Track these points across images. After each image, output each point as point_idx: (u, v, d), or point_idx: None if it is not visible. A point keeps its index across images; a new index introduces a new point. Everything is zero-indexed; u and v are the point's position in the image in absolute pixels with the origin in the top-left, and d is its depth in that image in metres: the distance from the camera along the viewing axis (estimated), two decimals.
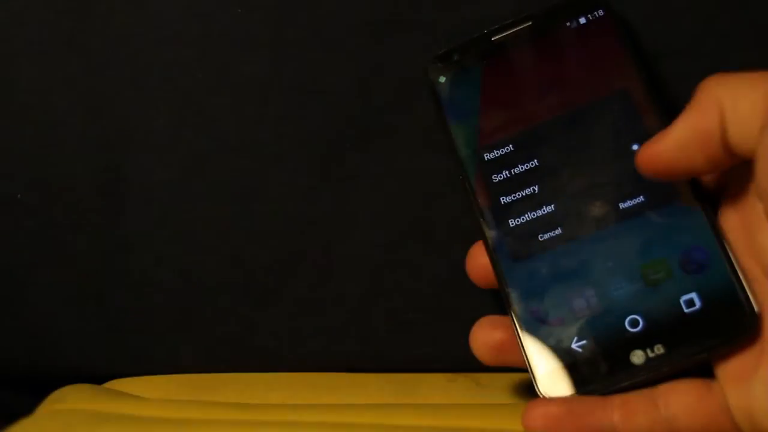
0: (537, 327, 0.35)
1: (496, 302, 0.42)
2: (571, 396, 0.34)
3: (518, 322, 0.35)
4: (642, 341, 0.34)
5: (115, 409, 0.40)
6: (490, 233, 0.37)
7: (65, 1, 0.42)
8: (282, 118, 0.42)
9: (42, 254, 0.44)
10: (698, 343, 0.33)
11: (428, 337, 0.42)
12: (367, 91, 0.42)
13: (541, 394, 0.34)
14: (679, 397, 0.32)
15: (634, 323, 0.34)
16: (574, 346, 0.34)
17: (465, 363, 0.42)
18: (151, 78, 0.42)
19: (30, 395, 0.46)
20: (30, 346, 0.45)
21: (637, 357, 0.33)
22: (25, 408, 0.43)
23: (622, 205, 0.36)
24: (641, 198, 0.35)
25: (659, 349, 0.33)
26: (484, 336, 0.36)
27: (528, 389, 0.41)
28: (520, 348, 0.35)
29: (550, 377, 0.34)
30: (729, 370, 0.32)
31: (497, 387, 0.41)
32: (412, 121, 0.42)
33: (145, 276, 0.43)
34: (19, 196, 0.43)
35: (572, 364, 0.34)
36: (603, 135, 0.37)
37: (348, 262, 0.42)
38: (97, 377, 0.45)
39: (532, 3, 0.40)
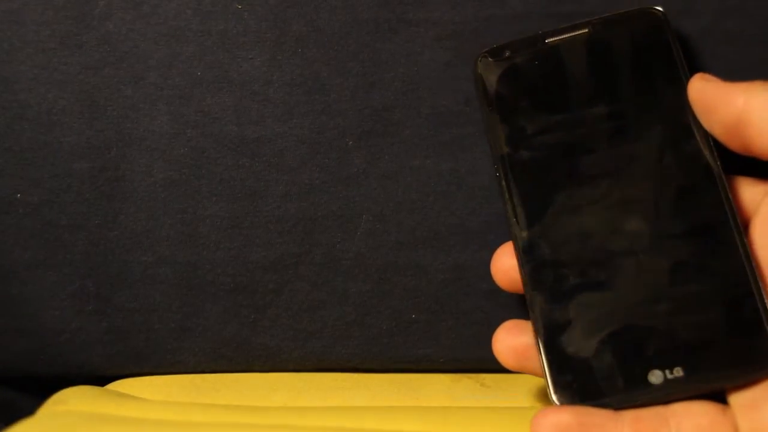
0: (557, 334, 0.35)
1: (500, 304, 0.42)
2: (583, 407, 0.33)
3: (539, 327, 0.35)
4: (662, 361, 0.33)
5: (116, 411, 0.40)
6: (522, 235, 0.36)
7: (63, 0, 0.42)
8: (283, 116, 0.42)
9: (42, 254, 0.43)
10: (718, 372, 0.33)
11: (432, 337, 0.42)
12: (371, 90, 0.42)
13: (553, 401, 0.34)
14: (691, 419, 0.32)
15: (656, 343, 0.34)
16: (592, 357, 0.34)
17: (469, 364, 0.42)
18: (150, 76, 0.42)
19: (31, 396, 0.46)
20: (30, 346, 0.44)
21: (655, 377, 0.33)
22: (26, 409, 0.42)
23: (658, 224, 0.35)
24: (678, 220, 0.35)
25: (678, 372, 0.33)
26: (509, 339, 0.36)
27: (531, 392, 0.41)
28: (537, 353, 0.35)
29: (565, 385, 0.34)
30: (743, 397, 0.32)
31: (501, 388, 0.41)
32: (417, 120, 0.42)
33: (146, 276, 0.43)
34: (18, 195, 0.43)
35: (588, 376, 0.34)
36: (646, 151, 0.36)
37: (351, 263, 0.42)
38: (97, 377, 0.45)
39: (539, 4, 0.40)
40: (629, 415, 0.33)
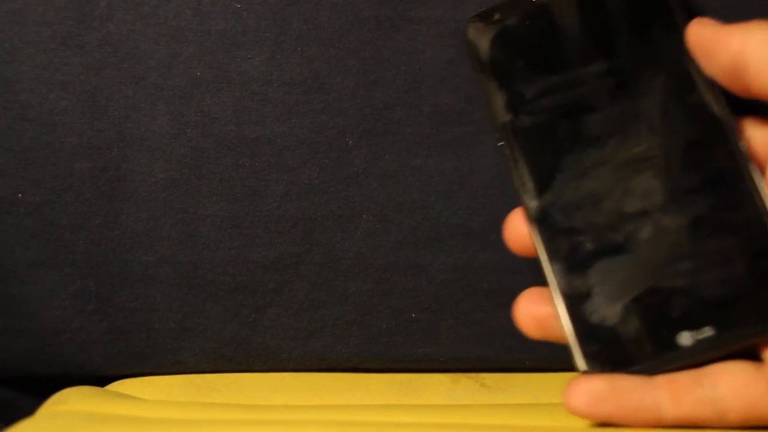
0: (580, 302, 0.33)
1: (500, 303, 0.42)
2: (616, 374, 0.32)
3: (559, 297, 0.34)
4: (690, 322, 0.32)
5: (116, 410, 0.40)
6: (531, 203, 0.35)
7: (64, 1, 0.42)
8: (283, 116, 0.42)
9: (42, 254, 0.44)
10: (749, 327, 0.32)
11: (432, 337, 0.42)
12: (372, 88, 0.41)
13: (582, 371, 0.33)
14: (726, 378, 0.31)
15: (682, 303, 0.32)
16: (618, 324, 0.33)
17: (469, 363, 0.42)
18: (150, 76, 0.42)
19: (31, 396, 0.46)
20: (30, 346, 0.45)
21: (685, 338, 0.32)
22: (26, 409, 0.43)
23: (671, 180, 0.34)
24: (692, 174, 0.34)
25: (708, 331, 0.32)
26: (530, 308, 0.35)
27: (531, 392, 0.41)
28: (560, 323, 0.33)
29: (593, 354, 0.33)
30: None
31: (501, 388, 0.41)
32: (418, 119, 0.41)
33: (146, 275, 0.43)
34: (19, 195, 0.43)
35: (616, 343, 0.33)
36: (651, 105, 0.35)
37: (351, 262, 0.42)
38: (97, 377, 0.45)
39: None
40: (663, 379, 0.32)
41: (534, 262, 0.42)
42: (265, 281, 0.43)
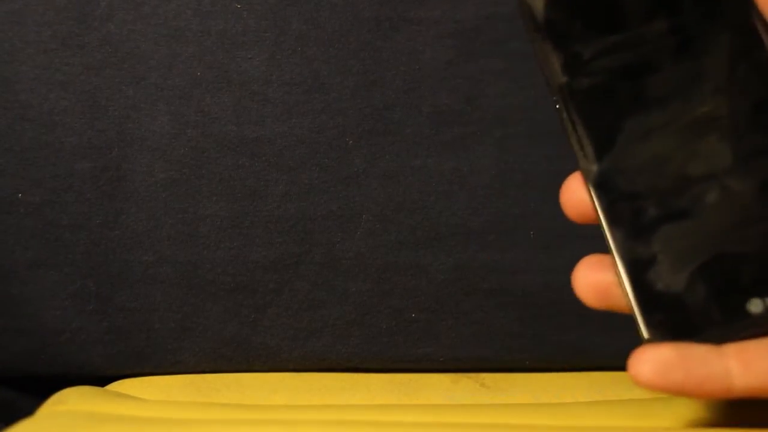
0: (644, 270, 0.32)
1: (500, 303, 0.42)
2: (684, 342, 0.30)
3: (621, 264, 0.32)
4: (761, 289, 0.31)
5: (116, 410, 0.40)
6: (590, 167, 0.33)
7: (64, 1, 0.42)
8: (283, 115, 0.42)
9: (43, 254, 0.44)
10: None
11: (432, 336, 0.42)
12: (371, 89, 0.41)
13: (647, 340, 0.31)
14: None
15: (752, 269, 0.31)
16: (684, 291, 0.31)
17: (469, 363, 0.42)
18: (151, 76, 0.42)
19: (31, 396, 0.46)
20: (30, 346, 0.45)
21: (755, 306, 0.30)
22: (26, 409, 0.43)
23: (738, 142, 0.32)
24: (759, 134, 0.32)
25: None
26: (591, 276, 0.33)
27: (531, 392, 0.40)
28: (623, 292, 0.32)
29: (658, 323, 0.31)
30: None
31: (501, 388, 0.41)
32: (418, 119, 0.41)
33: (147, 275, 0.43)
34: (19, 195, 0.43)
35: (682, 311, 0.31)
36: (716, 64, 0.33)
37: (351, 262, 0.42)
38: (97, 377, 0.45)
39: None
40: (732, 348, 0.30)
41: (534, 260, 0.43)
42: (265, 281, 0.43)
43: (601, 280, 0.33)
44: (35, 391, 0.45)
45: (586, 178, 0.33)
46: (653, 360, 0.30)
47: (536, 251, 0.42)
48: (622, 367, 0.43)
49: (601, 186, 0.33)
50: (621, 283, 0.32)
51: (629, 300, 0.32)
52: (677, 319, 0.31)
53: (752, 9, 0.33)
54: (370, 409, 0.39)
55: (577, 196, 0.34)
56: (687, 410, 0.37)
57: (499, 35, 0.40)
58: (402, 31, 0.41)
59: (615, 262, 0.32)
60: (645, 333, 0.31)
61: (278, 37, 0.42)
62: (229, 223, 0.43)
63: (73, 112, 0.43)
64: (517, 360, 0.42)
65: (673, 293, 0.31)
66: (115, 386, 0.44)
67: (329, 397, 0.42)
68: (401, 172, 0.42)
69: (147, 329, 0.44)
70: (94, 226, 0.43)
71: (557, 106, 0.34)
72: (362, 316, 0.42)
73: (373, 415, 0.38)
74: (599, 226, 0.33)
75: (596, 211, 0.33)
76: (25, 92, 0.43)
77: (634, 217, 0.33)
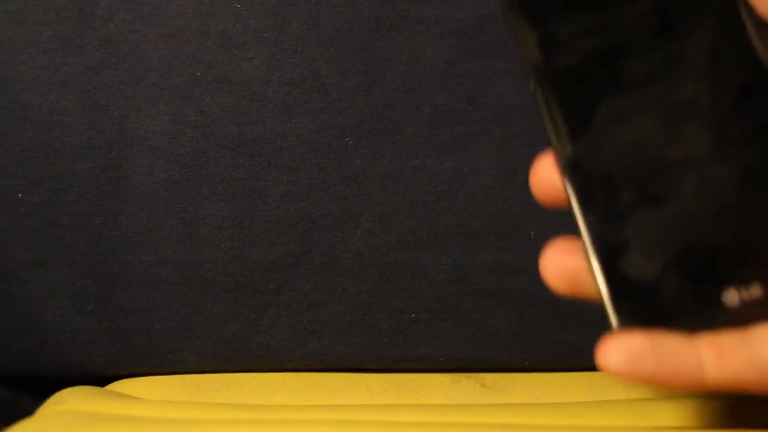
0: (616, 256, 0.31)
1: (500, 303, 0.42)
2: (656, 331, 0.29)
3: (593, 250, 0.31)
4: (736, 279, 0.30)
5: (116, 410, 0.40)
6: (564, 149, 0.32)
7: (64, 1, 0.42)
8: (283, 115, 0.42)
9: (43, 254, 0.44)
10: None
11: (432, 337, 0.42)
12: (372, 88, 0.41)
13: (617, 328, 0.30)
14: None
15: (728, 259, 0.30)
16: (658, 280, 0.30)
17: (469, 363, 0.42)
18: (150, 76, 0.42)
19: (31, 396, 0.46)
20: (30, 346, 0.45)
21: (730, 296, 0.30)
22: (26, 409, 0.43)
23: (717, 128, 0.31)
24: (739, 121, 0.31)
25: (755, 289, 0.29)
26: (560, 261, 0.31)
27: (531, 392, 0.40)
28: (593, 277, 0.31)
29: (629, 312, 0.30)
30: None
31: (501, 388, 0.41)
32: (418, 119, 0.41)
33: (147, 275, 0.43)
34: (19, 195, 0.43)
35: (655, 300, 0.30)
36: (698, 48, 0.32)
37: (351, 262, 0.42)
38: (97, 377, 0.45)
39: None
40: (706, 339, 0.29)
41: (534, 260, 0.42)
42: (265, 281, 0.43)
43: (571, 264, 0.31)
44: (35, 391, 0.45)
45: (559, 160, 0.32)
46: (624, 348, 0.29)
47: (536, 251, 0.42)
48: None
49: (575, 169, 0.32)
50: (591, 269, 0.31)
51: (599, 286, 0.31)
52: (649, 307, 0.30)
53: None
54: (370, 409, 0.39)
55: (547, 177, 0.32)
56: (687, 410, 0.37)
57: (500, 35, 0.40)
58: (402, 30, 0.41)
59: (586, 247, 0.31)
60: (615, 321, 0.30)
61: (278, 37, 0.42)
62: (229, 223, 0.43)
63: (73, 112, 0.43)
64: (517, 360, 0.42)
65: (645, 280, 0.30)
66: (115, 386, 0.44)
67: (329, 397, 0.42)
68: (401, 172, 0.42)
69: (147, 329, 0.44)
70: (94, 226, 0.43)
71: (532, 87, 0.33)
72: (362, 316, 0.42)
73: (372, 415, 0.38)
74: (570, 210, 0.32)
75: (568, 195, 0.32)
76: (25, 92, 0.43)
77: (607, 202, 0.31)
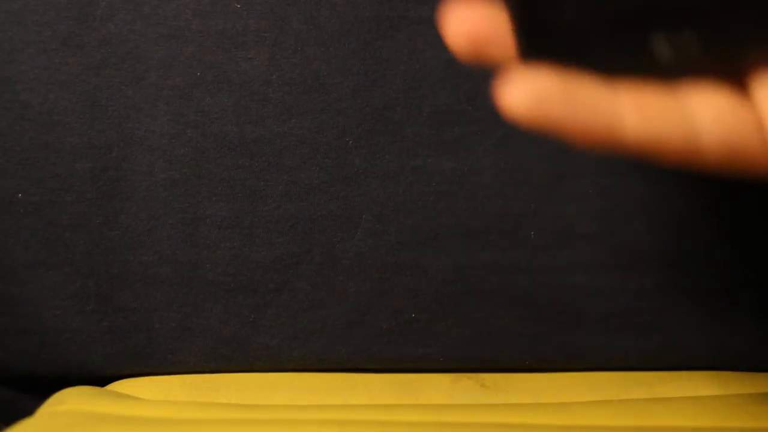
0: None
1: (499, 303, 0.42)
2: (568, 71, 0.25)
3: None
4: (667, 22, 0.25)
5: (116, 410, 0.40)
6: None
7: (64, 1, 0.42)
8: (283, 115, 0.42)
9: (43, 254, 0.44)
10: (740, 33, 0.24)
11: (432, 337, 0.42)
12: (372, 88, 0.41)
13: (524, 65, 0.26)
14: (705, 99, 0.25)
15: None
16: (579, 15, 0.25)
17: (469, 363, 0.42)
18: (150, 76, 0.42)
19: (31, 396, 0.46)
20: (30, 346, 0.45)
21: (659, 41, 0.25)
22: (26, 409, 0.43)
23: None
24: None
25: (688, 34, 0.25)
26: (465, 17, 0.26)
27: (532, 393, 0.40)
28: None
29: (539, 45, 0.25)
30: None
31: (501, 388, 0.41)
32: (418, 119, 0.41)
33: (147, 275, 0.43)
34: (19, 195, 0.43)
35: (572, 38, 0.25)
36: None
37: (351, 262, 0.42)
38: (97, 377, 0.45)
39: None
40: (629, 90, 0.25)
41: (534, 260, 0.43)
42: (265, 281, 0.43)
43: (477, 22, 0.26)
44: (35, 391, 0.45)
45: None
46: (530, 87, 0.24)
47: (536, 251, 0.42)
48: (622, 367, 0.43)
49: None
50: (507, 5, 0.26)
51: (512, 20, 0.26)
52: (565, 46, 0.25)
53: None
54: (370, 409, 0.39)
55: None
56: (687, 410, 0.37)
57: None
58: (402, 30, 0.41)
59: None
60: (524, 55, 0.26)
61: (278, 37, 0.42)
62: (229, 223, 0.43)
63: (72, 112, 0.43)
64: (517, 360, 0.42)
65: (566, 18, 0.25)
66: (115, 386, 0.44)
67: (329, 397, 0.42)
68: (401, 172, 0.42)
69: (147, 329, 0.44)
70: (94, 226, 0.43)
71: None
72: (362, 316, 0.42)
73: (373, 415, 0.38)
74: None
75: None
76: (25, 92, 0.43)
77: None
